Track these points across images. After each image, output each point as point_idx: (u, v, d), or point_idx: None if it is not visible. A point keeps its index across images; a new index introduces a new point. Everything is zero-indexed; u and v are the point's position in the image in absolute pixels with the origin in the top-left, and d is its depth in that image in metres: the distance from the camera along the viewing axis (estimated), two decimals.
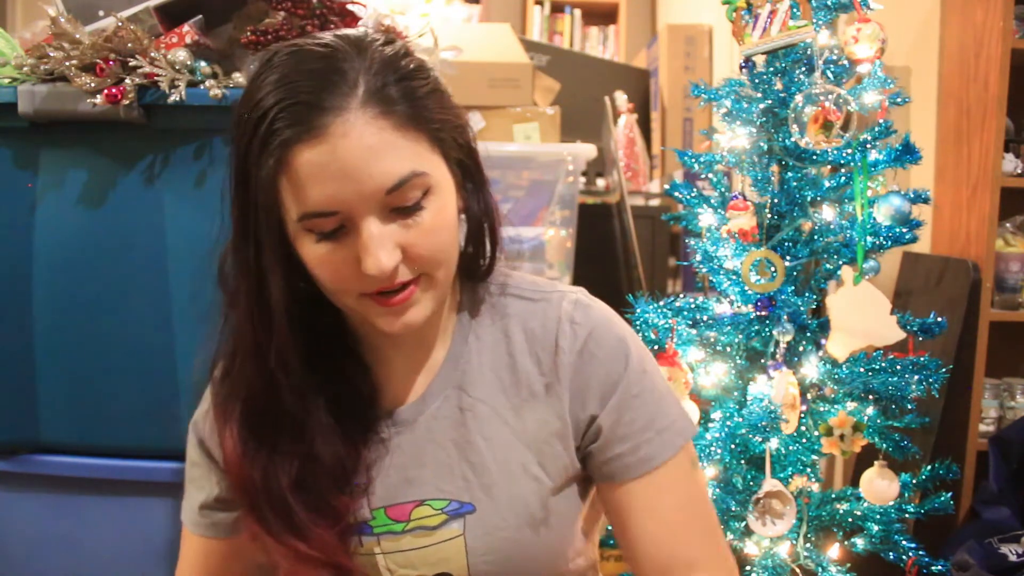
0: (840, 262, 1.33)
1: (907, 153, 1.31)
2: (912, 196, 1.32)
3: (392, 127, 0.66)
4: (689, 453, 0.79)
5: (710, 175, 1.44)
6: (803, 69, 1.34)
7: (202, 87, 1.01)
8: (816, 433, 1.32)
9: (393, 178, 0.66)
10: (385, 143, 0.66)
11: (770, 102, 1.33)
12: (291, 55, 0.68)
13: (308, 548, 0.72)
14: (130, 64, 1.00)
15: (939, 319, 1.32)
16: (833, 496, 1.40)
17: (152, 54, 1.01)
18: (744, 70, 1.35)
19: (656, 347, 1.32)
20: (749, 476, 1.35)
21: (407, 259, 0.69)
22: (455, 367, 0.79)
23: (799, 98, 1.25)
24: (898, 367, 1.29)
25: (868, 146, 1.31)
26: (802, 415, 1.33)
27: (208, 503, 0.83)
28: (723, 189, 1.44)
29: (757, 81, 1.35)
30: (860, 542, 1.37)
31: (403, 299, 0.70)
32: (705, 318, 1.36)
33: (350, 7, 1.19)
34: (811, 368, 1.33)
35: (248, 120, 0.68)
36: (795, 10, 1.24)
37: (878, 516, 1.34)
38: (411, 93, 0.68)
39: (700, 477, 0.82)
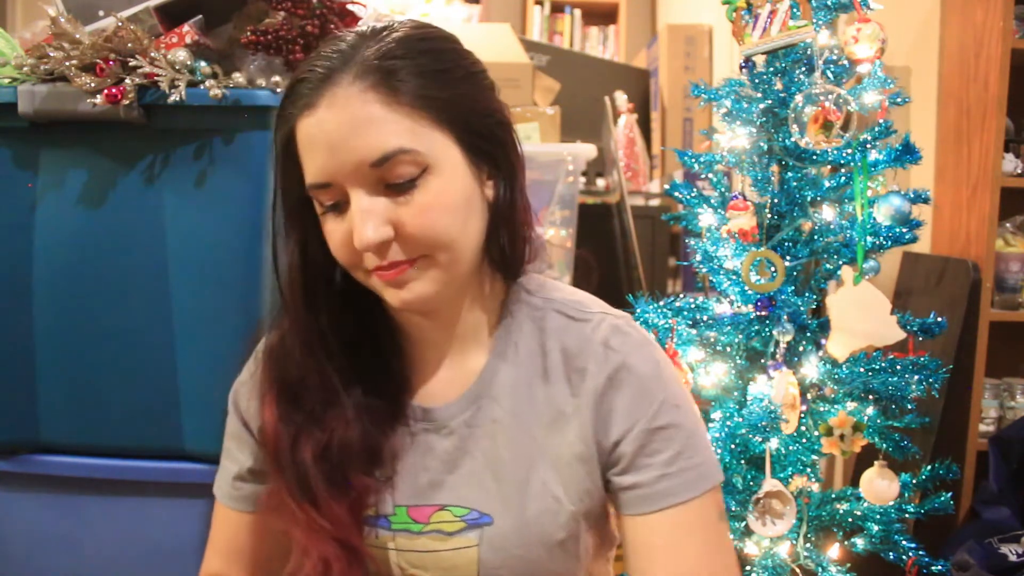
0: (840, 262, 1.33)
1: (907, 153, 1.31)
2: (912, 196, 1.32)
3: (382, 101, 0.66)
4: (716, 501, 0.75)
5: (710, 175, 1.44)
6: (803, 69, 1.34)
7: (202, 87, 1.01)
8: (816, 433, 1.32)
9: (377, 152, 0.66)
10: (372, 117, 0.66)
11: (770, 102, 1.33)
12: (327, 41, 0.71)
13: (319, 517, 0.73)
14: (130, 64, 1.00)
15: (939, 319, 1.32)
16: (833, 496, 1.40)
17: (152, 54, 1.01)
18: (744, 70, 1.35)
19: None
20: (749, 476, 1.35)
21: (400, 238, 0.69)
22: (493, 377, 0.78)
23: (799, 98, 1.25)
24: (898, 367, 1.29)
25: (868, 146, 1.31)
26: (802, 415, 1.33)
27: (241, 474, 0.83)
28: (723, 189, 1.44)
29: (757, 81, 1.35)
30: (860, 542, 1.36)
31: (391, 276, 0.69)
32: (705, 318, 1.36)
33: (350, 7, 1.19)
34: (811, 368, 1.33)
35: (280, 106, 0.72)
36: (795, 10, 1.24)
37: (878, 516, 1.34)
38: (417, 70, 0.68)
39: (726, 530, 0.76)
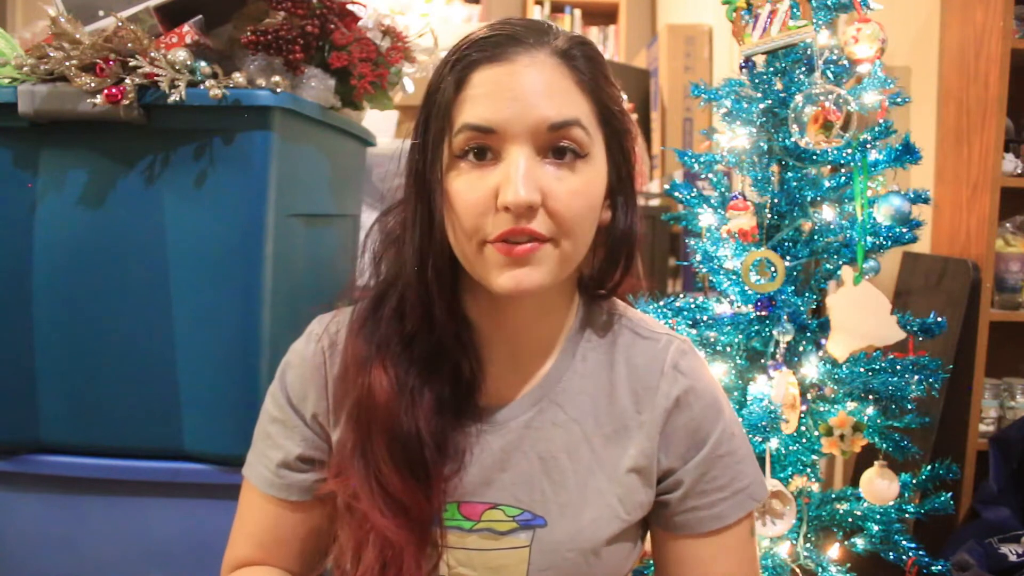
0: (840, 262, 1.33)
1: (907, 153, 1.31)
2: (912, 196, 1.32)
3: (571, 78, 0.71)
4: (751, 521, 0.81)
5: (710, 175, 1.44)
6: (803, 69, 1.34)
7: (202, 87, 1.01)
8: (816, 433, 1.32)
9: (561, 116, 0.69)
10: (564, 87, 0.70)
11: (770, 102, 1.33)
12: (491, 23, 0.74)
13: (417, 486, 0.72)
14: (130, 64, 1.00)
15: (939, 319, 1.32)
16: (833, 496, 1.40)
17: (152, 54, 1.01)
18: (744, 70, 1.35)
19: None
20: None
21: (544, 210, 0.69)
22: (557, 381, 0.79)
23: (799, 98, 1.25)
24: (898, 367, 1.29)
25: (868, 146, 1.31)
26: (802, 415, 1.33)
27: (288, 462, 0.80)
28: (723, 189, 1.44)
29: (757, 81, 1.35)
30: (860, 542, 1.36)
31: (526, 251, 0.68)
32: (705, 318, 1.36)
33: (350, 7, 1.19)
34: (811, 368, 1.33)
35: (447, 60, 0.72)
36: (795, 10, 1.24)
37: (878, 516, 1.34)
38: (594, 71, 0.73)
39: (756, 548, 0.83)
